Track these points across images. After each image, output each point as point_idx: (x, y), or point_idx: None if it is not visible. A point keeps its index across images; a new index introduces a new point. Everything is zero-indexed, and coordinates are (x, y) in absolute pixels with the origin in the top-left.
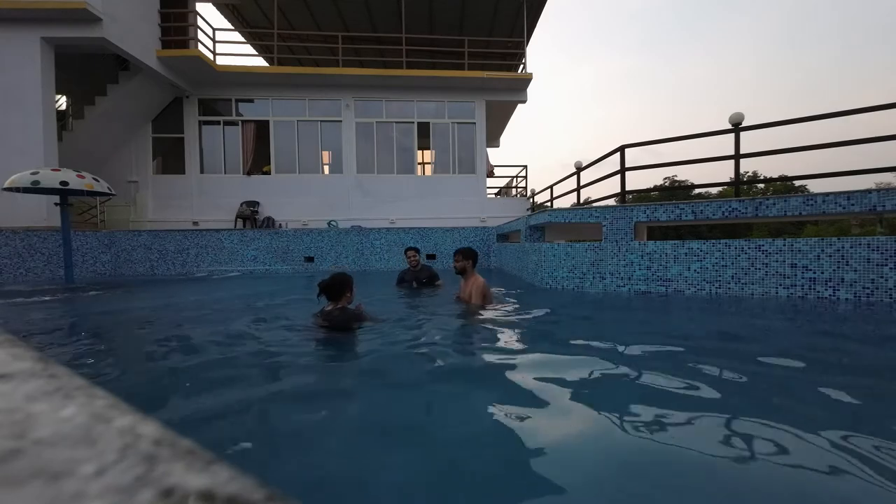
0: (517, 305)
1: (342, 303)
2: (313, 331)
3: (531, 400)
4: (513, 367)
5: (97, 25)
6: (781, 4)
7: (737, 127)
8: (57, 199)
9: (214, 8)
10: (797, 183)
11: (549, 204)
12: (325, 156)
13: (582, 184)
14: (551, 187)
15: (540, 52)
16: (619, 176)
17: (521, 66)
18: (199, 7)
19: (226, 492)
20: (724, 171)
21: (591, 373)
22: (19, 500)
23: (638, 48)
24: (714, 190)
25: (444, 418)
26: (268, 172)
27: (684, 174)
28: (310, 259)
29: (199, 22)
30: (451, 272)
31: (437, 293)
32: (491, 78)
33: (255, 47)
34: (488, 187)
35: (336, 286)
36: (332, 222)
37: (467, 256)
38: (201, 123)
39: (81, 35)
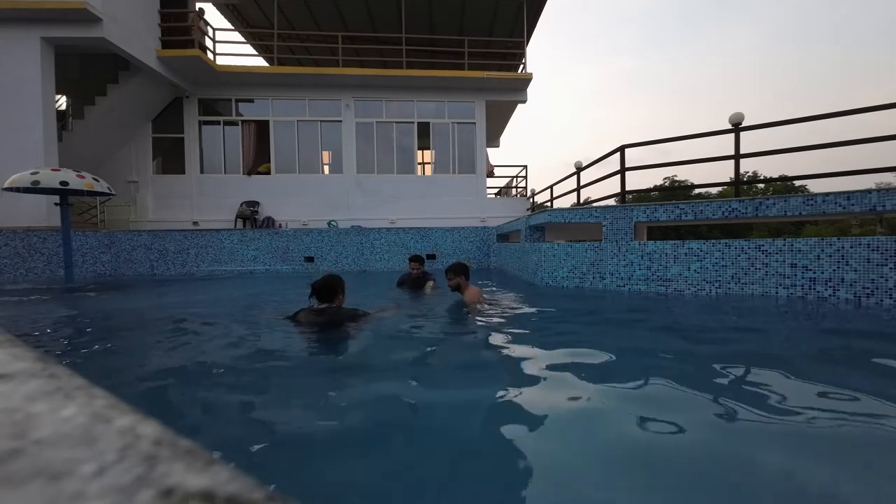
0: (517, 304)
1: (335, 304)
2: (309, 329)
3: (529, 397)
4: (508, 364)
5: (97, 25)
6: (782, 5)
7: (737, 127)
8: (57, 199)
9: (214, 8)
10: (797, 183)
11: (549, 204)
12: (325, 156)
13: (582, 184)
14: (551, 187)
15: (540, 52)
16: (619, 176)
17: (521, 67)
18: (199, 7)
19: (226, 492)
20: (724, 171)
21: (590, 370)
22: (19, 500)
23: (639, 48)
24: (714, 190)
25: (443, 420)
26: (266, 171)
27: (684, 174)
28: (310, 259)
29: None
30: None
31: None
32: (491, 78)
33: (255, 47)
34: (488, 187)
35: (329, 287)
36: (332, 222)
37: (458, 272)
38: (201, 123)
39: (81, 35)
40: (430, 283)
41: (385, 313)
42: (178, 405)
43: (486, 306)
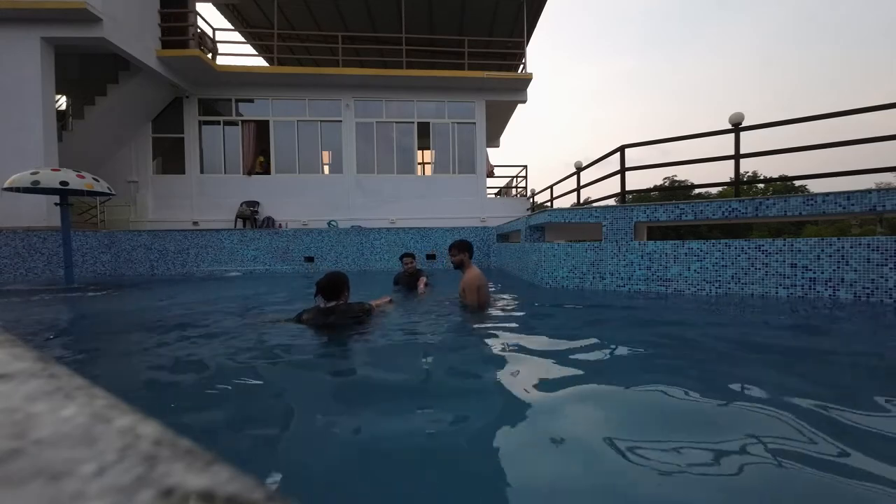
0: (515, 305)
1: (342, 301)
2: (318, 329)
3: (527, 402)
4: (506, 366)
5: (97, 25)
6: (782, 5)
7: (737, 127)
8: (57, 199)
9: (214, 8)
10: (797, 183)
11: (549, 204)
12: (325, 156)
13: (582, 184)
14: (551, 187)
15: (540, 52)
16: (619, 176)
17: (521, 67)
18: (199, 7)
19: (226, 492)
20: (724, 171)
21: (588, 374)
22: (19, 500)
23: (639, 48)
24: (714, 190)
25: (443, 426)
26: (263, 166)
27: (684, 174)
28: (310, 259)
29: (199, 22)
30: (452, 271)
31: (433, 292)
32: (491, 78)
33: (255, 47)
34: (488, 187)
35: (334, 285)
36: (332, 222)
37: (462, 249)
38: (201, 123)
39: (81, 35)
40: (423, 280)
41: (385, 306)
42: (178, 405)
43: (488, 306)
